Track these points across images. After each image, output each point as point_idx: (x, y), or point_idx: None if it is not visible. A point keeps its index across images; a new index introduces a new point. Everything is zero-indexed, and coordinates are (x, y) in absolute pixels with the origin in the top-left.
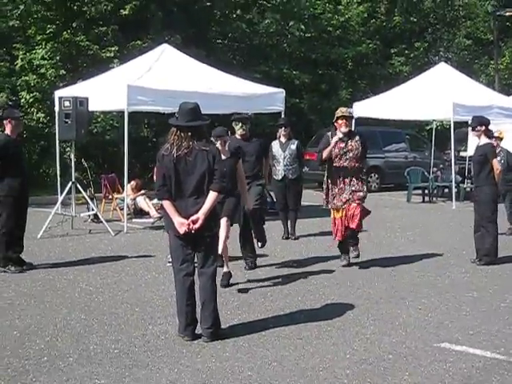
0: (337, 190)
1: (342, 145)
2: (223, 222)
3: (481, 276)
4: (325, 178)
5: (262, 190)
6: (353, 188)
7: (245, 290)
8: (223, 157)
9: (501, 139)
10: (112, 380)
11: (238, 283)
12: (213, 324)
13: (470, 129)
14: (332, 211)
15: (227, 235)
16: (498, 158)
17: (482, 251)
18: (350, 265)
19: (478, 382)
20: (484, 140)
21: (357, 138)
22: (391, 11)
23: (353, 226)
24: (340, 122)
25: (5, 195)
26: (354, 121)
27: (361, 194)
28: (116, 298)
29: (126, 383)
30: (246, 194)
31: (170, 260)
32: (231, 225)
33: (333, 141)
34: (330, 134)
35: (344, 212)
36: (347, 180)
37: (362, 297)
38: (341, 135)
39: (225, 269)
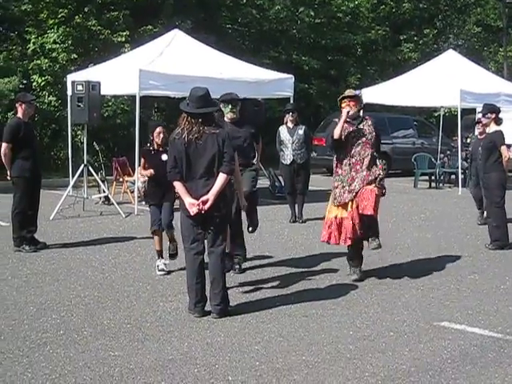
0: (347, 180)
1: (352, 128)
2: None
3: (483, 259)
4: (334, 168)
5: (256, 175)
6: (365, 173)
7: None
8: None
9: None
10: (125, 352)
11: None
12: (221, 301)
13: (478, 115)
14: (335, 210)
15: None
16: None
17: (493, 236)
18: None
19: (475, 358)
20: (494, 127)
21: (369, 122)
22: None
23: (369, 211)
24: (344, 104)
25: (17, 176)
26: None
27: (377, 172)
28: (128, 276)
29: (139, 355)
30: (242, 191)
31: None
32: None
33: (342, 116)
34: (337, 120)
35: (354, 204)
36: (358, 167)
37: (366, 278)
38: (349, 111)
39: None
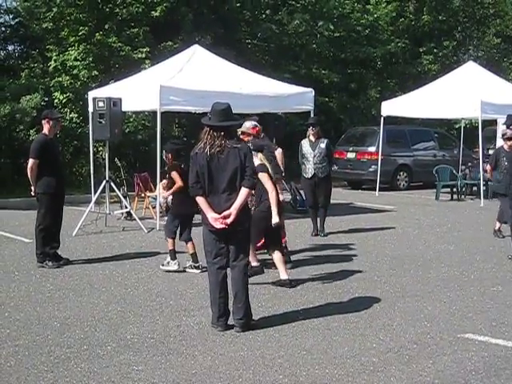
0: None
1: None
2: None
3: (506, 271)
4: None
5: None
6: None
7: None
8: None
9: None
10: (149, 367)
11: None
12: (244, 315)
13: (498, 127)
14: None
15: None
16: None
17: None
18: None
19: (499, 370)
20: None
21: None
22: (420, 10)
23: None
24: None
25: (42, 192)
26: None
27: None
28: (151, 291)
29: (163, 369)
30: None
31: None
32: None
33: None
34: None
35: None
36: None
37: (388, 290)
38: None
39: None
